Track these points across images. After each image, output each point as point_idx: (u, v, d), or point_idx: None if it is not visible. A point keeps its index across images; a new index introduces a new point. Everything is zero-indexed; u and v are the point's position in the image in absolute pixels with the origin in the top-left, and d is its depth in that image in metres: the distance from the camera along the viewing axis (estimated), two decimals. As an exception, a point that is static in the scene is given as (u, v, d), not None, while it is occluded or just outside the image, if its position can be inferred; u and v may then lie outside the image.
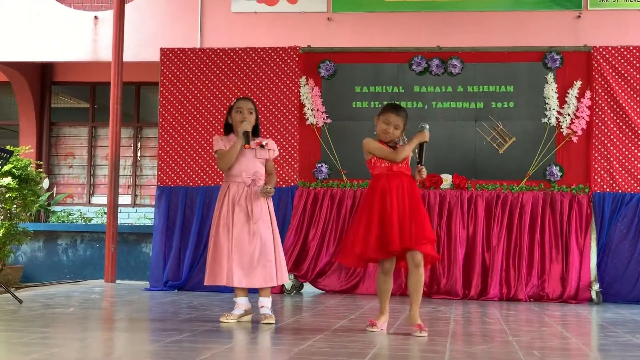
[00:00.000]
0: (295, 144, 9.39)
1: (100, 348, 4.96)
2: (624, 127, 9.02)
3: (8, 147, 8.88)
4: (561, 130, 9.11)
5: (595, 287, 8.73)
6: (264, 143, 6.25)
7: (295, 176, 9.36)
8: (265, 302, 6.17)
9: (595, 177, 8.98)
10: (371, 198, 5.74)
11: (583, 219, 8.93)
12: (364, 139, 5.94)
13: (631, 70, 9.06)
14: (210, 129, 9.45)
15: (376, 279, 5.86)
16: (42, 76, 14.51)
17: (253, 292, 6.29)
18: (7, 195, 9.74)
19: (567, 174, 9.07)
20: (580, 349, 5.27)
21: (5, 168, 9.46)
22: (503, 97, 9.29)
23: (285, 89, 9.46)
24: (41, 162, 13.46)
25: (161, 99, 9.64)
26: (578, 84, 9.10)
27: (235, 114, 6.22)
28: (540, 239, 8.94)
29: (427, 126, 5.90)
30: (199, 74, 9.59)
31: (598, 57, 9.09)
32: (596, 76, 9.07)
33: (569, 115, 9.09)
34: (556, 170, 9.05)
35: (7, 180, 9.69)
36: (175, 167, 9.48)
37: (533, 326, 6.51)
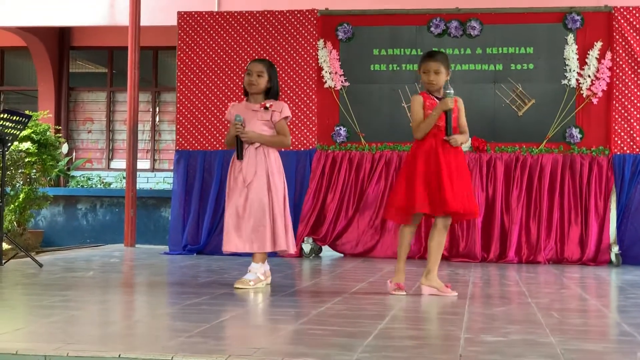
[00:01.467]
0: (313, 107, 9.36)
1: (120, 311, 4.99)
2: (645, 88, 8.94)
3: (27, 112, 8.89)
4: (581, 92, 9.03)
5: (615, 249, 8.70)
6: (267, 105, 6.05)
7: (313, 139, 9.34)
8: (253, 267, 5.98)
9: (616, 138, 8.91)
10: (415, 157, 5.68)
11: (603, 181, 8.88)
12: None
13: (652, 30, 8.96)
14: (229, 93, 9.43)
15: (400, 235, 5.80)
16: (60, 41, 14.49)
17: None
18: (27, 159, 9.78)
19: (587, 136, 9.00)
20: (600, 310, 5.25)
21: (24, 133, 9.50)
22: (522, 59, 9.20)
23: (303, 52, 9.41)
24: (60, 127, 13.50)
25: (179, 63, 9.62)
26: (598, 45, 9.00)
27: (246, 76, 6.11)
28: (560, 201, 8.90)
29: (452, 91, 5.69)
30: (216, 37, 9.56)
31: (619, 18, 8.98)
32: (617, 37, 8.97)
33: (589, 76, 9.00)
34: (576, 132, 8.99)
35: (27, 145, 9.73)
36: (194, 131, 9.48)
37: (552, 288, 6.50)
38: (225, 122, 6.34)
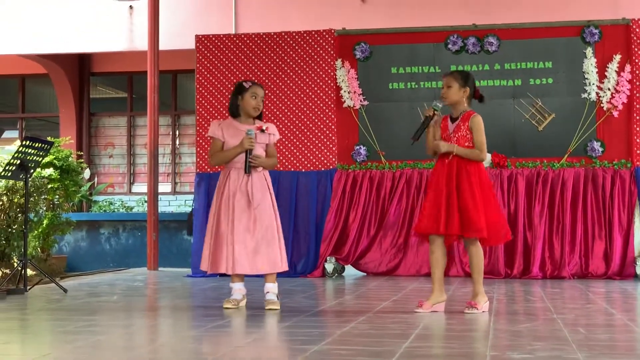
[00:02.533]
0: (332, 127, 9.37)
1: (145, 335, 5.00)
2: (665, 100, 8.89)
3: (49, 139, 8.95)
4: (601, 105, 8.99)
5: (640, 262, 8.64)
6: (264, 127, 6.05)
7: (333, 159, 9.35)
8: (271, 288, 6.05)
9: (638, 151, 8.86)
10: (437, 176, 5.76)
11: (626, 194, 8.83)
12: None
13: (671, 42, 8.92)
14: (248, 115, 9.44)
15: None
16: (80, 67, 14.61)
17: (254, 277, 6.24)
18: (50, 186, 9.83)
19: (608, 149, 8.96)
20: (626, 324, 5.21)
21: (47, 159, 9.54)
22: (541, 74, 9.19)
23: (321, 73, 9.44)
24: (82, 153, 13.58)
25: (198, 86, 9.67)
26: (617, 57, 8.97)
27: (250, 99, 6.03)
28: (583, 215, 8.85)
29: (439, 104, 5.81)
30: (234, 60, 9.61)
31: (637, 30, 8.96)
32: (635, 49, 8.94)
33: (609, 89, 8.97)
34: (597, 145, 8.95)
35: (49, 171, 9.78)
36: (214, 154, 9.50)
37: (577, 303, 6.46)
38: (208, 138, 6.26)
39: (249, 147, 5.94)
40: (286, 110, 9.44)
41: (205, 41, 9.71)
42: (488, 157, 9.03)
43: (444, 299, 5.76)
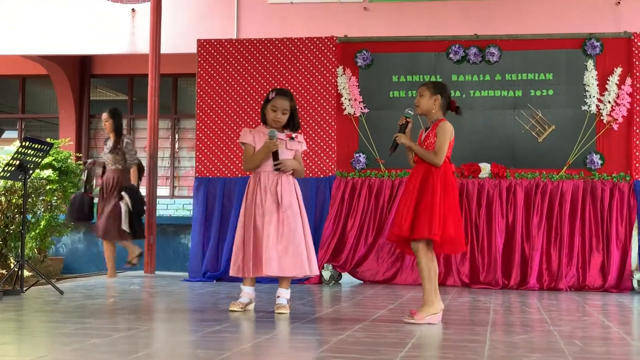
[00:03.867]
0: (332, 134, 9.38)
1: (141, 339, 4.99)
2: (665, 114, 8.91)
3: (48, 140, 8.95)
4: (601, 117, 9.00)
5: (637, 276, 8.63)
6: (294, 135, 6.22)
7: (333, 166, 9.35)
8: (282, 293, 6.14)
9: (637, 164, 8.87)
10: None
11: (624, 207, 8.83)
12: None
13: (673, 56, 8.94)
14: (248, 120, 9.46)
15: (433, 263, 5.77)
16: (81, 69, 14.63)
17: (264, 282, 6.29)
18: (48, 187, 9.83)
19: (607, 162, 8.96)
20: (623, 338, 5.21)
21: (46, 160, 9.55)
22: (542, 85, 9.20)
23: (322, 79, 9.44)
24: (81, 155, 13.58)
25: (198, 91, 9.67)
26: (618, 70, 8.99)
27: (270, 111, 6.18)
28: (581, 228, 8.85)
29: (411, 112, 5.92)
30: (236, 65, 9.61)
31: (638, 43, 8.97)
32: (637, 62, 8.95)
33: (609, 102, 8.98)
34: (597, 158, 8.95)
35: (48, 172, 9.78)
36: (213, 158, 9.51)
37: (574, 316, 6.45)
38: (240, 144, 6.41)
39: (273, 148, 6.06)
40: (286, 117, 9.43)
41: (207, 45, 9.71)
42: (487, 168, 9.05)
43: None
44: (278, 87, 9.35)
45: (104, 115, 9.77)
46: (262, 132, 6.21)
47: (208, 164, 9.53)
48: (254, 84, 9.54)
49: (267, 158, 6.13)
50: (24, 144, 7.54)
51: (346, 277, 9.41)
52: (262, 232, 6.01)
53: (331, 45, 9.48)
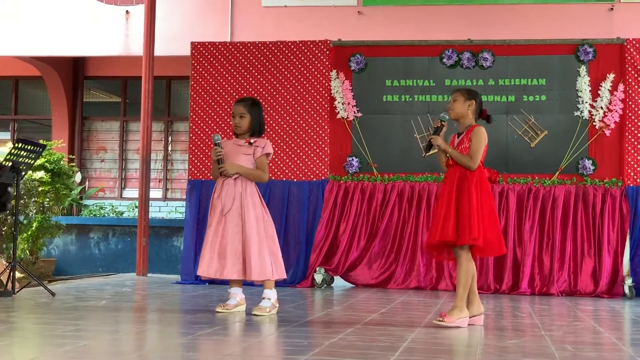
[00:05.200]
0: (325, 137, 9.38)
1: (132, 341, 4.99)
2: (657, 120, 8.93)
3: (41, 142, 8.94)
4: (594, 123, 9.03)
5: (629, 281, 8.64)
6: (252, 141, 6.32)
7: (325, 170, 9.35)
8: (266, 294, 6.23)
9: (629, 170, 8.89)
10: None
11: (616, 213, 8.85)
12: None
13: (665, 62, 8.96)
14: (241, 123, 9.44)
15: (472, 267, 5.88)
16: (75, 71, 14.60)
17: (258, 285, 6.35)
18: (40, 189, 9.83)
19: (599, 167, 8.99)
20: (614, 343, 5.22)
21: (38, 162, 9.54)
22: (535, 90, 9.22)
23: (315, 83, 9.45)
24: (73, 156, 13.56)
25: (192, 93, 9.67)
26: (611, 76, 9.01)
27: (233, 119, 6.43)
28: (573, 233, 8.86)
29: (445, 115, 5.98)
30: (229, 67, 9.61)
31: (631, 50, 9.00)
32: (629, 69, 8.98)
33: (601, 108, 9.01)
34: (589, 163, 8.97)
35: (40, 174, 9.78)
36: (206, 161, 9.51)
37: (565, 321, 6.47)
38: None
39: (214, 154, 6.27)
40: (279, 120, 9.45)
41: (201, 48, 9.71)
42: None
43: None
44: (272, 90, 9.39)
45: None
46: (230, 143, 6.42)
47: (201, 166, 9.53)
48: (248, 87, 9.54)
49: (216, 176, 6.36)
50: (16, 145, 7.53)
51: (338, 281, 9.41)
52: (216, 236, 6.20)
53: (325, 49, 9.48)
